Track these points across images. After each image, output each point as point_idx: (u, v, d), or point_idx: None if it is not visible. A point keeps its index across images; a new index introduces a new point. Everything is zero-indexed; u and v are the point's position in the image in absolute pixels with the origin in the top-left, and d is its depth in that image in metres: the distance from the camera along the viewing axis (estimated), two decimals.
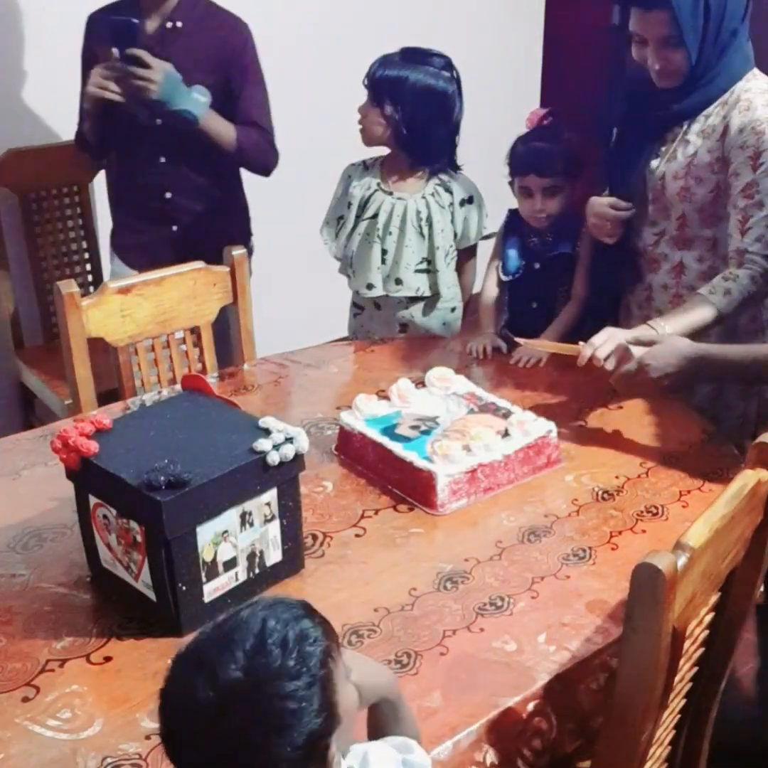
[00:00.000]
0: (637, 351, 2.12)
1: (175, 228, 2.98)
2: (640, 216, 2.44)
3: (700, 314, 2.21)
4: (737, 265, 2.25)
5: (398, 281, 2.77)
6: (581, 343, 2.20)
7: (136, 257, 3.00)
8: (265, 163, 3.00)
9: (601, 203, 2.44)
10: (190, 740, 1.08)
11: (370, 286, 2.78)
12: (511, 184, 2.67)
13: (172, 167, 2.91)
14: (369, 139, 2.76)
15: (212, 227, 2.97)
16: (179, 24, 2.81)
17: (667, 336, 2.16)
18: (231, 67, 2.86)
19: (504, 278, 2.70)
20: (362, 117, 2.73)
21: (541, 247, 2.66)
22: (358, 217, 2.78)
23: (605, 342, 2.15)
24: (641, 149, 2.40)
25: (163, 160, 2.90)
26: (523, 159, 2.59)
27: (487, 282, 2.76)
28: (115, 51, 2.67)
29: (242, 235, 3.07)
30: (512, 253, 2.68)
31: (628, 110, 2.44)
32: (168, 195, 2.94)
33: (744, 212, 2.23)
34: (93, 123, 2.85)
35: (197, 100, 2.75)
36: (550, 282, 2.66)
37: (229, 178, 3.04)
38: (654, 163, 2.38)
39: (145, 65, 2.66)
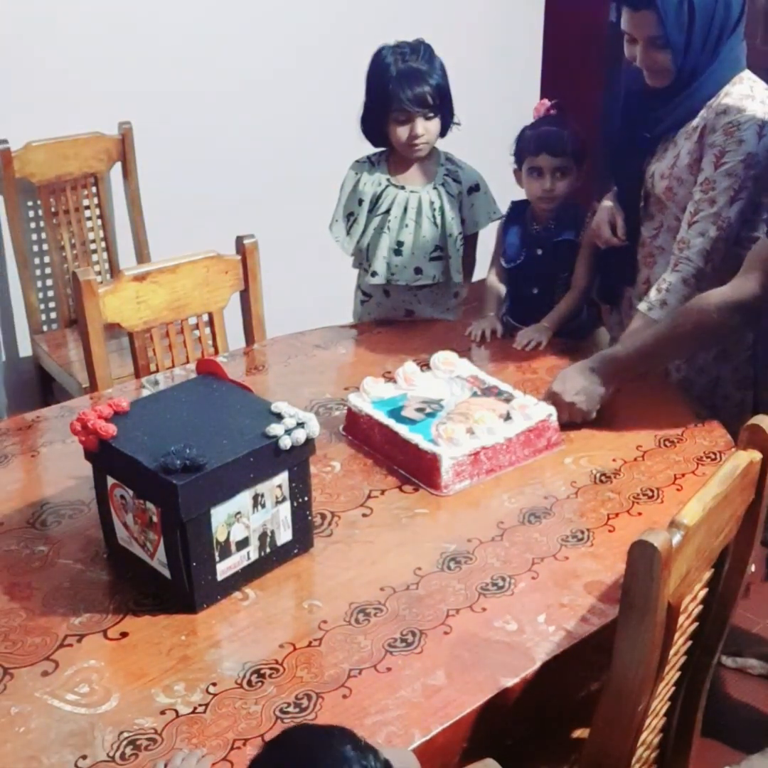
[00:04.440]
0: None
1: None
2: (639, 212, 2.47)
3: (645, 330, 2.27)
4: (674, 263, 2.30)
5: (418, 270, 2.80)
6: None
7: None
8: None
9: (606, 217, 2.51)
10: None
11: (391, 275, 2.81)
12: (516, 171, 2.70)
13: None
14: (426, 149, 2.75)
15: None
16: None
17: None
18: None
19: (505, 265, 2.74)
20: (424, 134, 2.68)
21: (544, 233, 2.69)
22: (370, 212, 2.77)
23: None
24: (635, 154, 2.44)
25: None
26: (536, 140, 2.62)
27: (492, 270, 2.81)
28: None
29: None
30: (513, 241, 2.72)
31: (624, 122, 2.49)
32: None
33: (697, 205, 2.28)
34: None
35: None
36: (552, 269, 2.69)
37: None
38: (648, 161, 2.43)
39: None
